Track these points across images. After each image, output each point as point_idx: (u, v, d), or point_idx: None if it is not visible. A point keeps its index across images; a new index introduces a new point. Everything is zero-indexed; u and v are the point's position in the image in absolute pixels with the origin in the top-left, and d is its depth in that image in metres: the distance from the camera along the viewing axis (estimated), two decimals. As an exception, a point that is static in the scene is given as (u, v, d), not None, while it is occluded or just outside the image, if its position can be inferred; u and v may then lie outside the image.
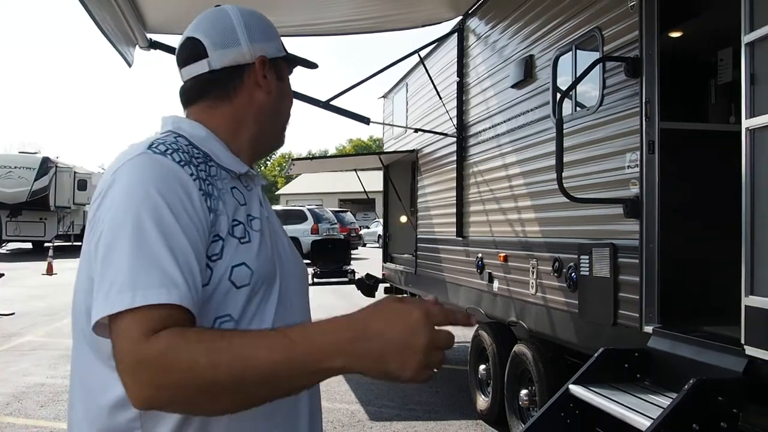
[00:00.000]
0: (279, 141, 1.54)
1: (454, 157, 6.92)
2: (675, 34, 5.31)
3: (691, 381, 2.98)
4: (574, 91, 4.59)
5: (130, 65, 5.95)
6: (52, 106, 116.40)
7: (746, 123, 2.94)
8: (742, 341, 2.97)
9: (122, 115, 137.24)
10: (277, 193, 60.50)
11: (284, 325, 1.19)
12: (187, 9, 5.71)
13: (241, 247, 1.29)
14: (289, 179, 61.40)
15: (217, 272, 1.25)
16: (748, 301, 2.93)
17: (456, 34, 6.91)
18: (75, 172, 28.74)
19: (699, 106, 5.56)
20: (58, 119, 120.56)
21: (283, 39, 1.51)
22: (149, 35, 6.14)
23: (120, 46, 5.60)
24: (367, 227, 37.97)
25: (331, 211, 29.13)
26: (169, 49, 6.21)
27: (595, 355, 3.75)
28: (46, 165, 26.94)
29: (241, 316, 1.27)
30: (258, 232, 1.34)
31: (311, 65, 1.57)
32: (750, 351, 2.93)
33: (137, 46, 6.09)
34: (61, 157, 28.91)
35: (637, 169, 3.88)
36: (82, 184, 28.59)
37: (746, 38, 2.96)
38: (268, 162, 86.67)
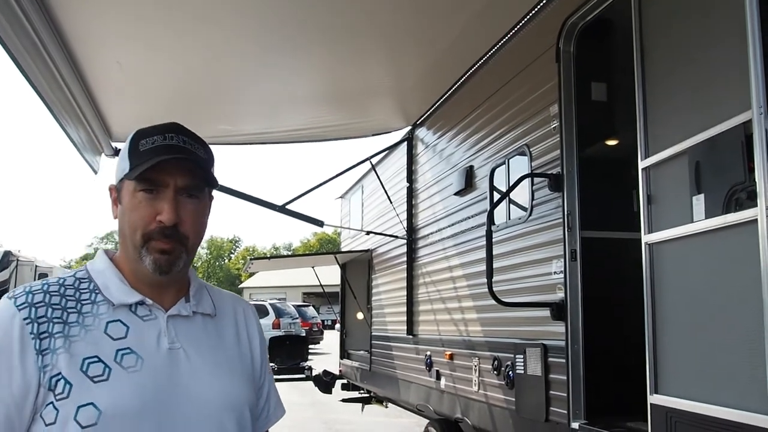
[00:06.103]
0: (140, 264, 1.43)
1: (405, 258, 7.22)
2: (611, 142, 5.71)
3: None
4: (507, 200, 4.97)
5: (96, 172, 6.24)
6: (14, 200, 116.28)
7: (645, 238, 3.31)
8: (650, 437, 3.25)
9: (85, 210, 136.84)
10: (240, 286, 60.15)
11: None
12: (151, 121, 6.09)
13: (94, 386, 1.30)
14: (252, 273, 61.22)
15: (62, 411, 1.28)
16: (653, 399, 3.22)
17: (406, 142, 7.34)
18: (36, 266, 28.45)
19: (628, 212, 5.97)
20: (20, 213, 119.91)
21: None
22: (114, 144, 6.47)
23: (87, 155, 5.91)
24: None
25: (294, 305, 29.13)
26: (132, 156, 6.50)
27: (526, 450, 3.99)
28: (7, 259, 26.66)
29: None
30: (127, 368, 1.34)
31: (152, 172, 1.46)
32: (657, 446, 3.20)
33: (103, 154, 6.40)
34: (23, 251, 28.71)
35: (563, 275, 4.22)
36: (43, 278, 28.30)
37: (642, 164, 3.37)
38: (232, 255, 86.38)
